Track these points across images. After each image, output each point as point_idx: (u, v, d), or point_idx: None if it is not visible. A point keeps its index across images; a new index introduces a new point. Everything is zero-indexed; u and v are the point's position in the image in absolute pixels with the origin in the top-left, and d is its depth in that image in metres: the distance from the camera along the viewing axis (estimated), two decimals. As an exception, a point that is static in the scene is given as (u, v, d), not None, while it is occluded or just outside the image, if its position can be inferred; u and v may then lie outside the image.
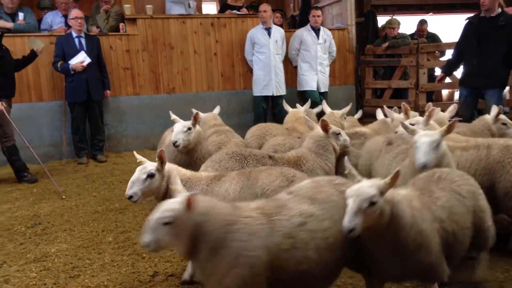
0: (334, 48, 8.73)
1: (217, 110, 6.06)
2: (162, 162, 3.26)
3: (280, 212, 2.58)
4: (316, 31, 8.42)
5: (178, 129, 4.55)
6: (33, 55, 6.70)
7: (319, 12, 8.46)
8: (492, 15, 5.96)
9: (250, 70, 8.50)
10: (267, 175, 3.27)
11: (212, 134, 5.38)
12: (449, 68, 6.81)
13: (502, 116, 4.72)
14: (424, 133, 3.30)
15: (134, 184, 3.21)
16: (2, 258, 4.00)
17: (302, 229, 2.53)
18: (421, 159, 3.16)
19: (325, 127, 4.09)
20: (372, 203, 2.34)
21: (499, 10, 5.99)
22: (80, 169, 7.04)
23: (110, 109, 7.93)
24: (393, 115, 4.97)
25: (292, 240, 2.49)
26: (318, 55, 8.41)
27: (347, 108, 5.70)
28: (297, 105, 6.52)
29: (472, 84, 6.17)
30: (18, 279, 3.60)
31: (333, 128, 4.18)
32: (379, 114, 5.54)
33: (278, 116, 7.88)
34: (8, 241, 4.36)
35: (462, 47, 6.34)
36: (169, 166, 3.35)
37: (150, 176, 3.22)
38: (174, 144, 4.45)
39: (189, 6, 8.47)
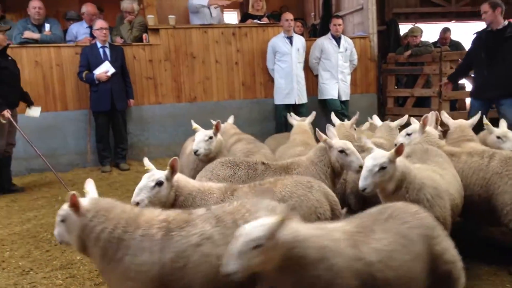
0: (356, 57, 8.72)
1: (231, 119, 6.07)
2: (173, 171, 3.18)
3: (184, 228, 2.52)
4: (337, 39, 8.42)
5: (200, 138, 4.60)
6: (28, 102, 6.63)
7: (340, 21, 8.45)
8: (498, 27, 6.03)
9: (271, 79, 8.53)
10: (283, 186, 3.18)
11: (236, 143, 5.38)
12: (455, 76, 6.94)
13: (497, 130, 4.63)
14: (371, 155, 3.20)
15: (142, 191, 3.13)
16: (29, 265, 4.08)
17: (196, 250, 2.44)
18: (360, 183, 3.14)
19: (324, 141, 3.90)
20: (257, 246, 2.05)
21: (506, 22, 6.04)
22: (104, 177, 7.13)
23: (133, 118, 8.04)
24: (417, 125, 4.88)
25: (186, 259, 2.43)
26: (339, 63, 8.40)
27: (355, 118, 5.65)
28: (291, 115, 6.45)
29: (485, 95, 6.22)
30: (44, 286, 3.66)
31: (336, 143, 3.85)
32: (376, 120, 5.47)
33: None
34: (34, 248, 4.45)
35: (471, 58, 6.45)
36: (177, 176, 3.27)
37: (159, 184, 3.14)
38: (195, 152, 4.50)
39: (211, 16, 8.54)
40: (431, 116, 4.58)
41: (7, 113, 6.02)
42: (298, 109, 8.16)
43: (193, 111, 8.08)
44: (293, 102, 8.18)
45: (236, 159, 4.03)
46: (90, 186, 2.94)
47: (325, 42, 8.45)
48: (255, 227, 2.11)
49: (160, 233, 2.48)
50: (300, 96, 8.22)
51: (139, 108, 8.07)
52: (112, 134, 7.65)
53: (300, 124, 5.98)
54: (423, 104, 8.82)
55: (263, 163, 3.95)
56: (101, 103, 7.32)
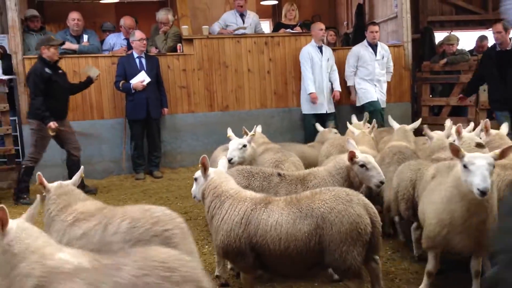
0: (391, 64, 8.56)
1: (259, 128, 6.03)
2: (205, 169, 3.36)
3: (84, 221, 2.95)
4: (374, 47, 8.31)
5: (234, 146, 4.64)
6: (89, 82, 6.95)
7: (376, 28, 8.32)
8: (507, 48, 6.71)
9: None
10: (321, 202, 3.03)
11: (264, 152, 5.34)
12: (469, 91, 7.47)
13: None
14: (477, 155, 2.92)
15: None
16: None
17: (76, 242, 2.85)
18: (482, 184, 2.74)
19: (351, 158, 3.71)
20: None
21: None
22: (138, 185, 7.25)
23: (166, 126, 8.15)
24: (431, 134, 4.73)
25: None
26: (376, 71, 8.27)
27: (373, 125, 5.65)
28: (352, 120, 6.66)
29: (506, 106, 6.69)
30: None
31: (360, 158, 3.71)
32: (393, 122, 5.39)
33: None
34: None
35: (483, 74, 7.09)
36: (212, 176, 3.36)
37: (195, 179, 3.51)
38: (230, 161, 4.50)
39: (245, 27, 8.56)
40: (470, 128, 4.52)
41: (53, 124, 6.17)
42: (326, 119, 8.11)
43: (225, 119, 8.10)
44: (324, 112, 8.13)
45: (253, 169, 4.02)
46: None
47: (361, 50, 8.34)
48: None
49: (70, 220, 2.97)
50: (330, 106, 8.20)
51: (172, 117, 8.18)
52: (147, 142, 7.76)
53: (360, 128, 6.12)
54: (459, 113, 8.62)
55: (279, 174, 3.93)
56: (137, 111, 7.46)
